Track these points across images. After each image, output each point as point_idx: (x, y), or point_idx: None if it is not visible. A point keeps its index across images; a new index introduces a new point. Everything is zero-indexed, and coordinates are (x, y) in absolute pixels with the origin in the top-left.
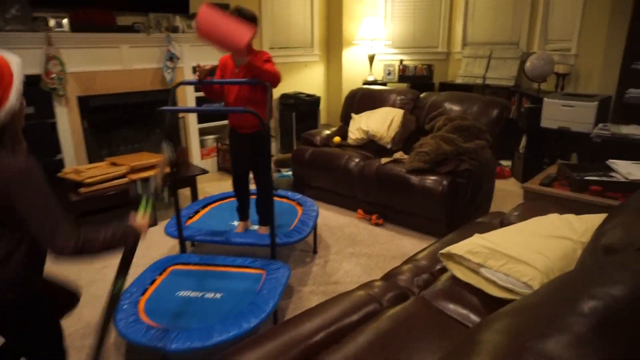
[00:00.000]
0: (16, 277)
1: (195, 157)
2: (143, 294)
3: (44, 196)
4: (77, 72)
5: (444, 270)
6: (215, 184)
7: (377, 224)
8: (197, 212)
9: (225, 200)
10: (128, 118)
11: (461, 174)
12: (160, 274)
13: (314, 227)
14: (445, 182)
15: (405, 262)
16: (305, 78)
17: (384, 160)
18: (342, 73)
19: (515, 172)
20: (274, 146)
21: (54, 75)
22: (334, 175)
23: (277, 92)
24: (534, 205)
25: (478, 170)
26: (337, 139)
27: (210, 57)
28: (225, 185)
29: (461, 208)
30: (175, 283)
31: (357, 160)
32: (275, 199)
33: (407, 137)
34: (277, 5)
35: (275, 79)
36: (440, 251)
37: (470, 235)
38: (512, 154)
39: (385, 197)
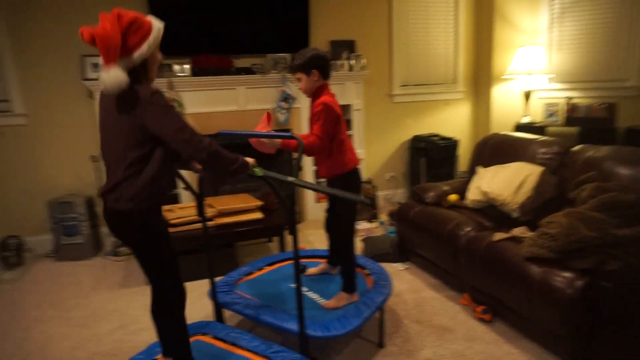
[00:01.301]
0: (141, 190)
1: (309, 200)
2: None
3: (171, 113)
4: (195, 113)
5: None
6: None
7: (481, 320)
8: (260, 269)
9: (284, 263)
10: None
11: (607, 274)
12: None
13: (378, 314)
14: (578, 284)
15: None
16: (444, 118)
17: (497, 235)
18: (490, 113)
19: None
20: (401, 193)
21: None
22: (437, 244)
23: (408, 134)
24: None
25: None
26: (453, 197)
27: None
28: None
29: (602, 326)
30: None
31: (468, 229)
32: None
33: (541, 206)
34: (413, 38)
35: (307, 148)
36: None
37: None
38: None
39: (495, 286)
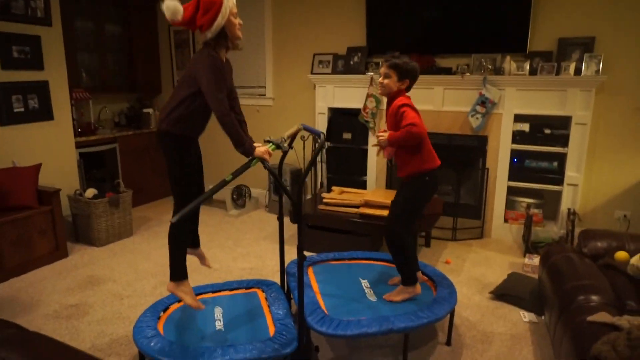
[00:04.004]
0: (179, 116)
1: (497, 216)
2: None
3: (209, 76)
4: None
5: None
6: (496, 257)
7: None
8: (349, 259)
9: (379, 262)
10: None
11: None
12: (247, 288)
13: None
14: None
15: None
16: None
17: (597, 316)
18: None
19: None
20: None
21: (369, 110)
22: (551, 303)
23: None
24: None
25: None
26: (621, 255)
27: (542, 105)
28: (503, 263)
29: None
30: (238, 302)
31: (592, 297)
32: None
33: None
34: None
35: (409, 135)
36: None
37: None
38: None
39: None
